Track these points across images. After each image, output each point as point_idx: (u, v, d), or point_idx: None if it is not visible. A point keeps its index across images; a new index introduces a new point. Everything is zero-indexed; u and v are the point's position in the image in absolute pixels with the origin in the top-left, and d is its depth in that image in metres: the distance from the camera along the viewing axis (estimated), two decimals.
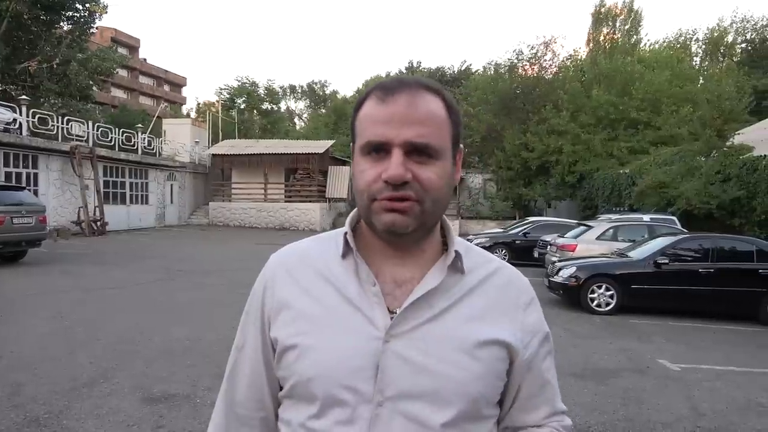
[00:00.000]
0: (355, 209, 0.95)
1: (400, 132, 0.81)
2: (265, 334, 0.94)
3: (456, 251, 0.91)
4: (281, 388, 0.93)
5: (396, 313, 0.86)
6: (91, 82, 26.52)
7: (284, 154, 27.64)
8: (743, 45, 37.60)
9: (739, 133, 15.79)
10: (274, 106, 49.29)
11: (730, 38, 38.34)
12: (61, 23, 24.51)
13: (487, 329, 0.89)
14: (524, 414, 0.96)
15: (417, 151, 0.82)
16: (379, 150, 0.83)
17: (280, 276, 0.94)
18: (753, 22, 37.32)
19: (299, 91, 59.89)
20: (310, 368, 0.86)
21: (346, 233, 0.92)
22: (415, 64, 47.05)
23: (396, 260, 0.91)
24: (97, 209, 20.07)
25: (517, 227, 16.92)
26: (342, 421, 0.84)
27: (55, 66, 23.06)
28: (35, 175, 18.34)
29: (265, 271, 0.98)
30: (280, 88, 54.84)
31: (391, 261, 0.91)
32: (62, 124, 20.37)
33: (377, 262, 0.91)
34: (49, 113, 20.57)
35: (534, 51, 28.21)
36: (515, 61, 28.49)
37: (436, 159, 0.84)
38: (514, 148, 25.39)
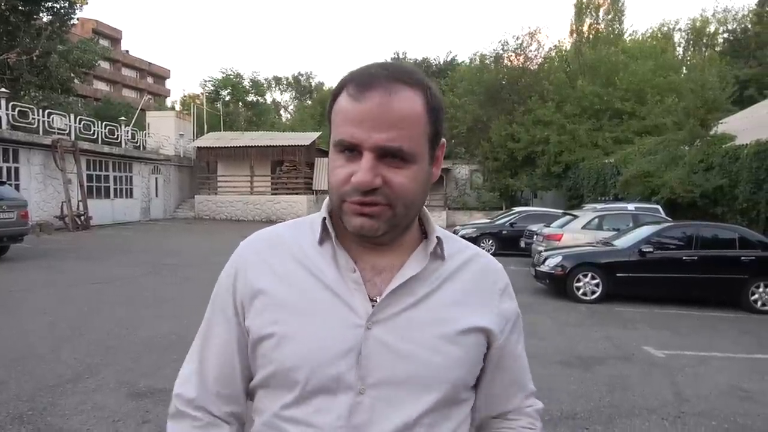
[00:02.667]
0: None
1: (371, 135, 0.77)
2: (239, 323, 0.90)
3: (438, 237, 0.91)
4: (251, 379, 0.91)
5: (376, 300, 0.86)
6: (72, 75, 26.13)
7: (270, 146, 27.48)
8: (725, 35, 37.95)
9: (721, 123, 15.97)
10: (259, 98, 48.78)
11: (711, 28, 38.69)
12: (41, 14, 24.02)
13: (467, 314, 0.89)
14: (499, 399, 0.98)
15: (389, 155, 0.79)
16: (351, 149, 0.80)
17: (253, 262, 0.91)
18: (734, 12, 37.73)
19: (285, 82, 59.39)
20: (290, 357, 0.84)
21: (324, 218, 0.89)
22: (400, 55, 46.84)
23: (373, 248, 0.89)
24: (80, 203, 19.83)
25: (504, 218, 16.99)
26: (322, 409, 0.82)
27: (35, 58, 22.63)
28: (16, 170, 18.04)
29: (235, 257, 0.94)
30: (266, 79, 54.36)
31: (369, 248, 0.89)
32: (43, 117, 20.03)
33: (355, 249, 0.89)
34: (30, 106, 20.20)
35: (519, 41, 28.26)
36: (501, 51, 28.53)
37: (411, 163, 0.80)
38: (500, 138, 25.46)
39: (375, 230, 0.81)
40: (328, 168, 0.86)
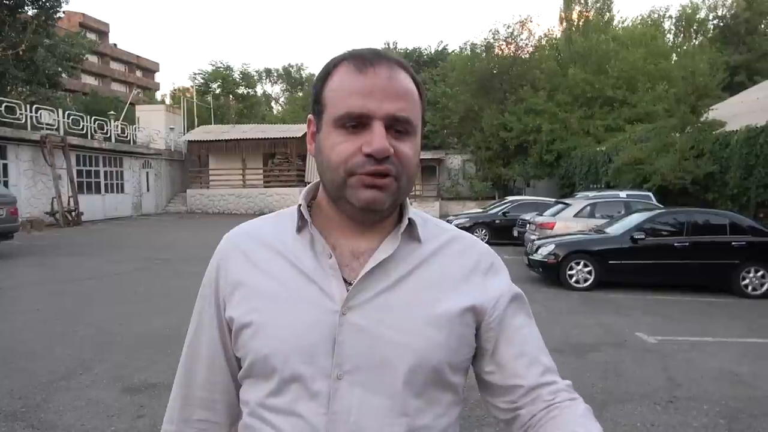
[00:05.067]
0: (311, 184, 0.94)
1: (383, 105, 0.79)
2: (221, 316, 0.92)
3: (410, 219, 0.89)
4: (240, 369, 0.91)
5: (353, 284, 0.85)
6: (59, 69, 25.80)
7: (262, 138, 27.37)
8: (715, 21, 37.99)
9: (712, 109, 16.03)
10: (250, 91, 48.47)
11: (702, 15, 38.70)
12: (26, 8, 23.68)
13: (446, 296, 0.87)
14: (513, 377, 0.89)
15: (396, 126, 0.81)
16: (356, 122, 0.80)
17: (233, 255, 0.92)
18: None
19: (275, 74, 59.03)
20: (266, 345, 0.84)
21: (299, 206, 0.90)
22: (391, 45, 46.60)
23: (354, 233, 0.89)
24: (71, 199, 19.67)
25: (497, 207, 17.03)
26: (301, 397, 0.82)
27: (21, 53, 22.32)
28: (5, 166, 17.87)
29: (218, 251, 0.95)
30: (256, 72, 53.96)
31: (349, 234, 0.89)
32: (31, 112, 19.82)
33: (334, 235, 0.89)
34: (17, 101, 19.98)
35: (510, 30, 28.17)
36: (491, 40, 28.44)
37: (413, 135, 0.84)
38: (492, 128, 25.45)
39: (383, 203, 0.82)
40: (320, 149, 0.85)
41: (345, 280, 0.85)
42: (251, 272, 0.89)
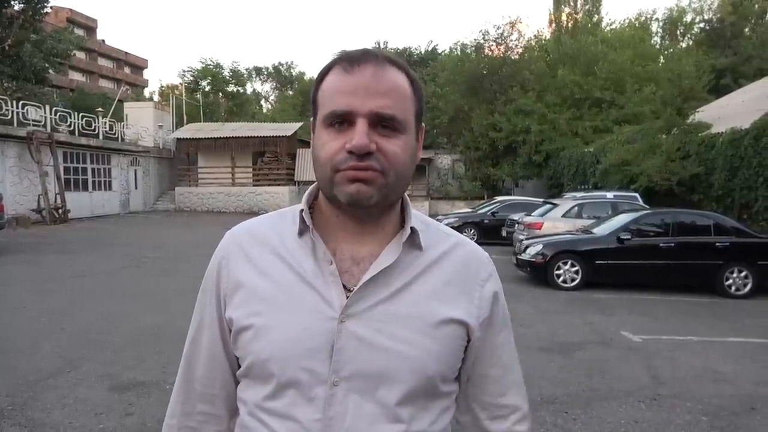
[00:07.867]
0: (312, 186, 0.94)
1: (366, 102, 0.80)
2: (222, 314, 0.92)
3: (412, 228, 0.89)
4: (240, 367, 0.92)
5: (353, 291, 0.85)
6: (46, 65, 25.53)
7: (251, 137, 27.25)
8: (701, 25, 38.35)
9: (698, 111, 16.22)
10: (239, 89, 48.20)
11: (688, 18, 39.06)
12: (13, 2, 23.39)
13: (445, 307, 0.88)
14: (488, 396, 0.97)
15: (382, 123, 0.81)
16: (342, 121, 0.81)
17: (235, 254, 0.92)
18: (710, 2, 38.06)
19: (265, 72, 58.71)
20: (265, 349, 0.85)
21: (302, 210, 0.89)
22: (382, 45, 46.58)
23: (354, 237, 0.89)
24: (58, 196, 19.48)
25: (486, 207, 17.10)
26: (297, 402, 0.83)
27: (7, 48, 22.06)
28: None
29: (220, 248, 0.95)
30: (246, 70, 53.63)
31: (350, 238, 0.89)
32: (17, 108, 19.60)
33: (335, 240, 0.89)
34: (3, 97, 19.74)
35: (500, 31, 28.31)
36: (481, 41, 28.55)
37: (401, 132, 0.83)
38: (481, 128, 25.54)
39: (369, 197, 0.81)
40: (313, 149, 0.86)
41: (345, 287, 0.85)
42: (252, 274, 0.89)
